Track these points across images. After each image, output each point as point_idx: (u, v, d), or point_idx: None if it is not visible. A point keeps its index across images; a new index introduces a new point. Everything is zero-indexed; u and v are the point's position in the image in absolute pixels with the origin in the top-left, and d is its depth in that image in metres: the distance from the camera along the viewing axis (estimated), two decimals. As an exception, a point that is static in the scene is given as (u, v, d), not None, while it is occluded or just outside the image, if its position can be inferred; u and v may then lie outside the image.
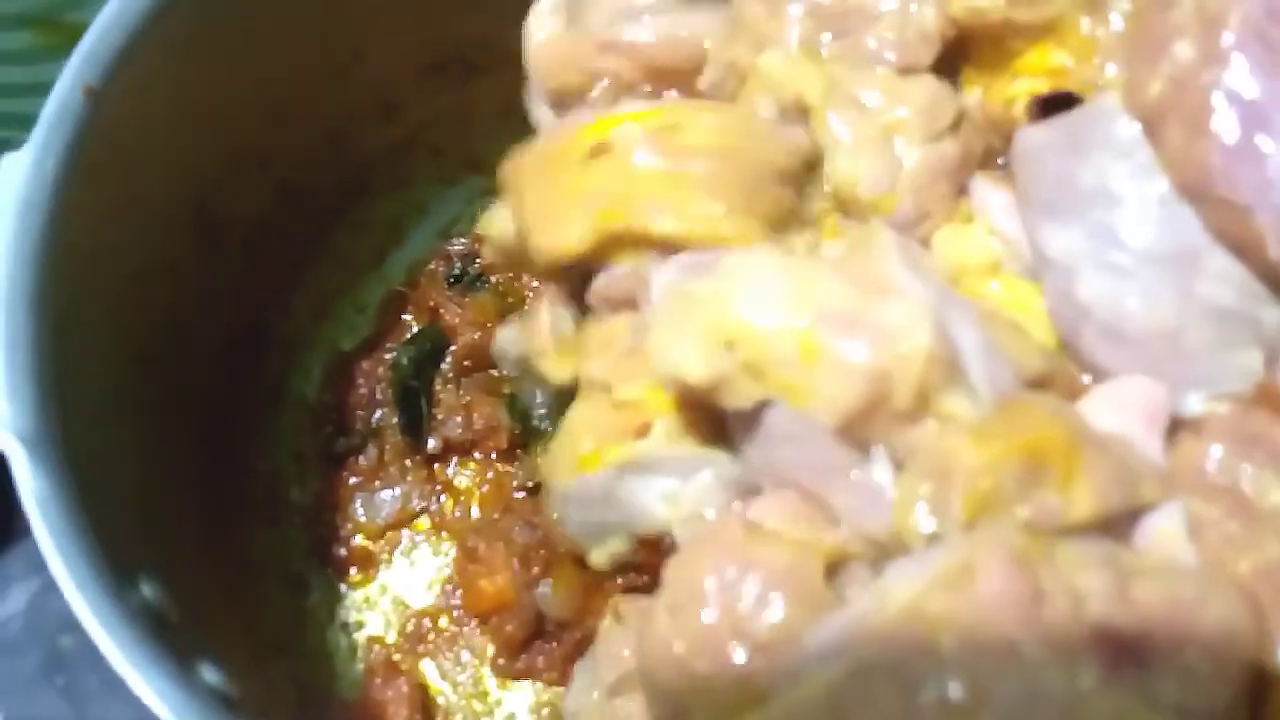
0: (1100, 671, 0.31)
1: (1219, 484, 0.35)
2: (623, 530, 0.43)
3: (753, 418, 0.37)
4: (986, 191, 0.42)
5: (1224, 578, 0.34)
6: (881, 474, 0.36)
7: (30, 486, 0.42)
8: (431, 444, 0.66)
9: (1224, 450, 0.36)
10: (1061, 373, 0.39)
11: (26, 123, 0.49)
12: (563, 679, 0.60)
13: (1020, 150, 0.40)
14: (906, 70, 0.42)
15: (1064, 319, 0.38)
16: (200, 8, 0.52)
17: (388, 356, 0.68)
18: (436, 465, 0.67)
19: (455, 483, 0.67)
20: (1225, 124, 0.34)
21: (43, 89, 0.49)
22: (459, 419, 0.66)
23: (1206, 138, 0.34)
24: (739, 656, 0.34)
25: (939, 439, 0.35)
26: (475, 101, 0.69)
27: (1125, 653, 0.31)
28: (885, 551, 0.36)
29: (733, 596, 0.35)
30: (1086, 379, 0.39)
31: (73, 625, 0.41)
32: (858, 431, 0.35)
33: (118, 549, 0.44)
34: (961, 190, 0.42)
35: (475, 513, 0.66)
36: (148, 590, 0.46)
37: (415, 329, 0.69)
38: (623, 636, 0.47)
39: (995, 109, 0.42)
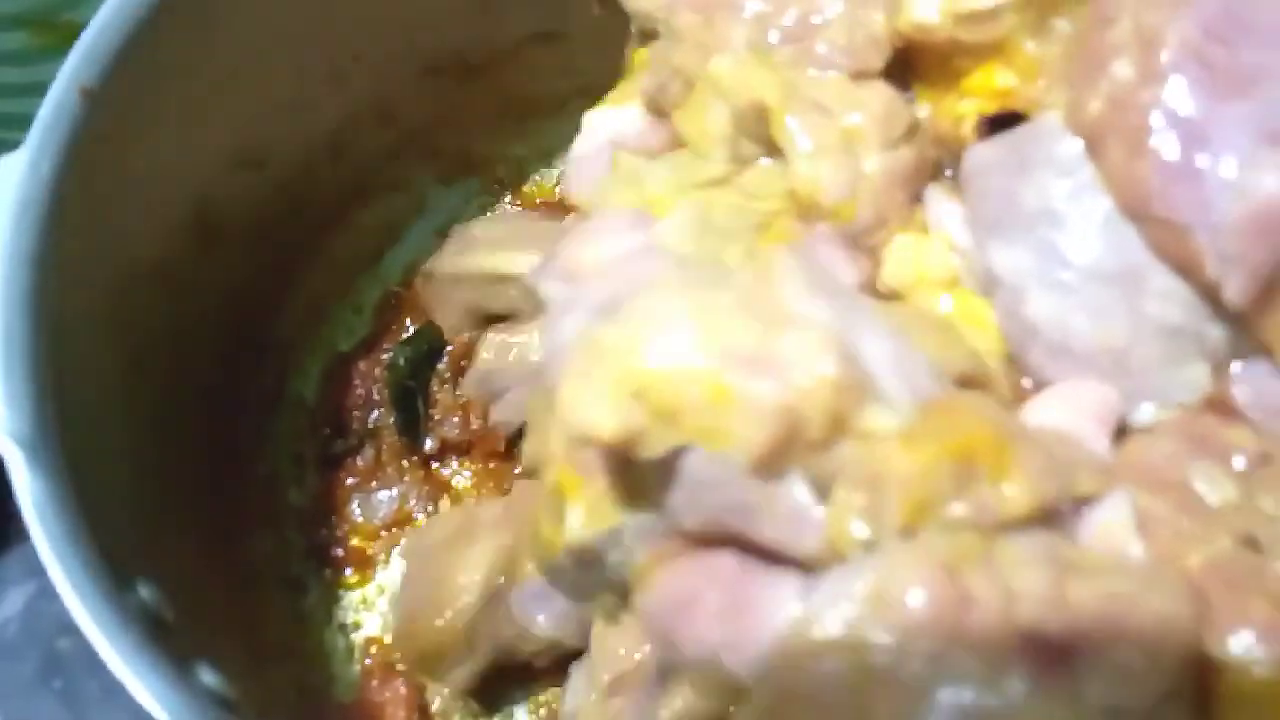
0: (1028, 679, 0.31)
1: (1170, 479, 0.35)
2: (605, 588, 0.43)
3: (669, 465, 0.36)
4: (942, 203, 0.42)
5: (1169, 570, 0.33)
6: (802, 495, 0.35)
7: (28, 489, 0.42)
8: (429, 444, 0.66)
9: (1175, 447, 0.35)
10: (1002, 379, 0.39)
11: (23, 123, 0.48)
12: (560, 680, 0.60)
13: (968, 168, 0.40)
14: (858, 76, 0.42)
15: (1013, 336, 0.38)
16: (197, 9, 0.52)
17: (384, 357, 0.68)
18: (434, 466, 0.67)
19: (453, 483, 0.67)
20: (1163, 143, 0.34)
21: (38, 89, 0.49)
22: (456, 419, 0.66)
23: (1145, 157, 0.34)
24: None
25: (867, 450, 0.34)
26: (472, 102, 0.69)
27: (1055, 655, 0.31)
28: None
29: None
30: (1027, 383, 0.39)
31: (70, 629, 0.41)
32: (775, 465, 0.34)
33: (115, 552, 0.44)
34: (916, 199, 0.42)
35: (473, 513, 0.66)
36: (145, 593, 0.46)
37: (412, 330, 0.69)
38: (619, 636, 0.47)
39: (944, 126, 0.42)
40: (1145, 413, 0.37)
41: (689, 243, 0.40)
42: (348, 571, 0.65)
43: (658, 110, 0.46)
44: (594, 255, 0.40)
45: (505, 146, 0.72)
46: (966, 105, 0.41)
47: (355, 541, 0.66)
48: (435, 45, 0.65)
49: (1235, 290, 0.34)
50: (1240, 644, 0.32)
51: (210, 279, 0.60)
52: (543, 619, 0.55)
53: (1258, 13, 0.34)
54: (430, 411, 0.66)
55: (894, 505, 0.33)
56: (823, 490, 0.35)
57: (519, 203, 0.73)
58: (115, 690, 0.40)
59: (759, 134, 0.42)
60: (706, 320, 0.35)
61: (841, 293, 0.37)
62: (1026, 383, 0.39)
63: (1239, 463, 0.35)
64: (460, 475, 0.67)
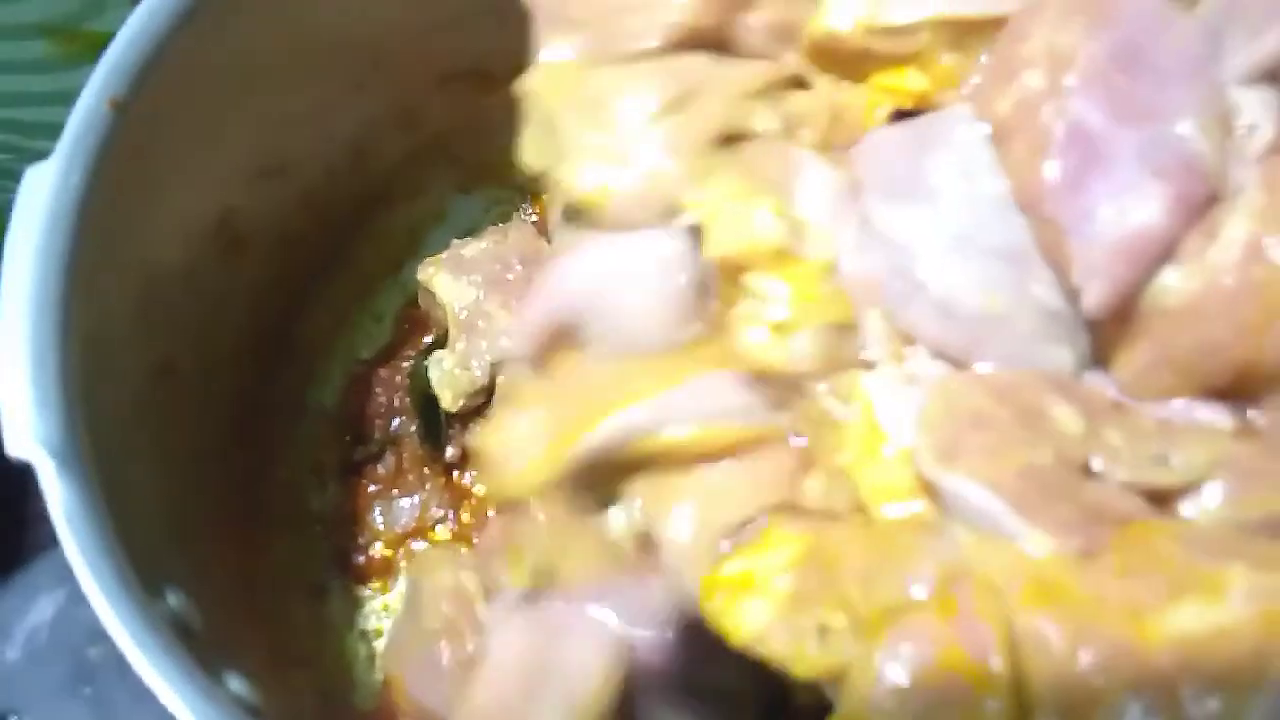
0: None
1: (1020, 399, 0.37)
2: None
3: None
4: (811, 169, 0.42)
5: None
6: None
7: (58, 497, 0.43)
8: (450, 452, 0.66)
9: (1034, 380, 0.37)
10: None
11: (46, 131, 0.49)
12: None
13: (869, 144, 0.41)
14: (643, 56, 0.43)
15: (895, 291, 0.39)
16: (221, 22, 0.52)
17: (405, 365, 0.69)
18: (455, 473, 0.67)
19: (474, 491, 0.67)
20: (1061, 152, 0.36)
21: (62, 97, 0.49)
22: (477, 427, 0.66)
23: (1044, 159, 0.36)
24: None
25: None
26: (492, 110, 0.69)
27: None
28: None
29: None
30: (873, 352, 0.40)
31: (100, 636, 0.41)
32: None
33: (144, 560, 0.44)
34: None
35: (494, 521, 0.66)
36: (174, 601, 0.46)
37: (433, 337, 0.69)
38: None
39: (851, 109, 0.43)
40: None
41: None
42: (370, 579, 0.65)
43: None
44: None
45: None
46: (879, 98, 0.42)
47: (377, 549, 0.66)
48: (453, 54, 0.65)
49: (1093, 300, 0.36)
50: (1036, 541, 0.34)
51: (235, 286, 0.61)
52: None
53: (1156, 53, 0.37)
54: (451, 419, 0.67)
55: None
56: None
57: (537, 210, 0.74)
58: (145, 697, 0.40)
59: None
60: None
61: None
62: (873, 353, 0.40)
63: (1092, 408, 0.37)
64: (482, 483, 0.67)
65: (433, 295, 0.66)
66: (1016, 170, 0.37)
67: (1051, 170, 0.36)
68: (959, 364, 0.39)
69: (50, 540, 0.43)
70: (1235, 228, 0.35)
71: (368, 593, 0.65)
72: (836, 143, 0.43)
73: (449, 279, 0.65)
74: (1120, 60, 0.36)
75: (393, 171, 0.69)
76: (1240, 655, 0.31)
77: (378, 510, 0.66)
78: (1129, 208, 0.36)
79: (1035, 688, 0.32)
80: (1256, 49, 0.37)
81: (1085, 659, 0.32)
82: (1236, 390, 0.37)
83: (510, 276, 0.66)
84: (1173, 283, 0.36)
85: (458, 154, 0.71)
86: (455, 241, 0.67)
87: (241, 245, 0.61)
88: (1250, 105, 0.37)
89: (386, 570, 0.65)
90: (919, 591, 0.34)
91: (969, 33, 0.40)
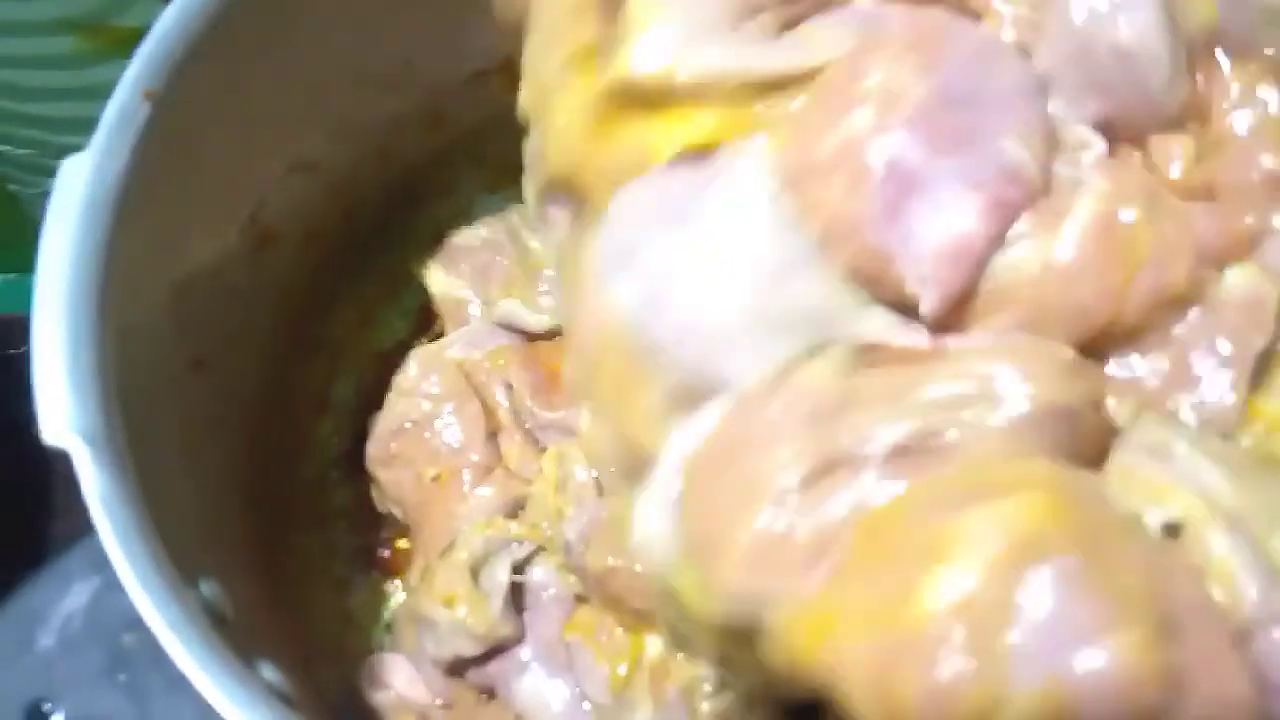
0: None
1: (750, 442, 0.37)
2: None
3: None
4: None
5: None
6: None
7: (94, 484, 0.43)
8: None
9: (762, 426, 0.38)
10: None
11: (72, 127, 0.49)
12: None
13: (640, 180, 0.41)
14: None
15: (645, 316, 0.40)
16: (255, 18, 0.53)
17: (427, 360, 0.69)
18: (476, 469, 0.67)
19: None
20: (885, 183, 0.38)
21: (88, 93, 0.50)
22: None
23: (866, 191, 0.38)
24: None
25: None
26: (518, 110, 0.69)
27: None
28: None
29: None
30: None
31: (135, 623, 0.41)
32: None
33: (178, 549, 0.44)
34: None
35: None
36: (207, 590, 0.46)
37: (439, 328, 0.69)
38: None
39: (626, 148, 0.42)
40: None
41: None
42: (392, 574, 0.66)
43: None
44: None
45: (550, 154, 0.72)
46: (670, 134, 0.41)
47: (400, 544, 0.66)
48: (486, 50, 0.65)
49: (930, 303, 0.38)
50: (787, 602, 0.35)
51: (263, 281, 0.61)
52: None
53: (984, 90, 0.39)
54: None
55: None
56: None
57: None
58: (180, 684, 0.40)
59: None
60: None
61: None
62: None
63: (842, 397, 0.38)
64: (505, 479, 0.67)
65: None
66: (830, 201, 0.38)
67: (872, 200, 0.38)
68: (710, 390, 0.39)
69: (83, 529, 0.43)
70: (1084, 206, 0.38)
71: (391, 587, 0.65)
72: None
73: (440, 273, 0.66)
74: (948, 98, 0.38)
75: (420, 170, 0.70)
76: (995, 600, 0.32)
77: (401, 505, 0.66)
78: (952, 220, 0.38)
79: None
80: (1078, 113, 0.40)
81: (878, 665, 0.33)
82: (1093, 348, 0.39)
83: (504, 260, 0.66)
84: (1026, 254, 0.38)
85: (485, 153, 0.71)
86: (450, 232, 0.68)
87: (271, 240, 0.61)
88: (1080, 130, 0.40)
89: (410, 565, 0.65)
90: None
91: (782, 84, 0.40)
